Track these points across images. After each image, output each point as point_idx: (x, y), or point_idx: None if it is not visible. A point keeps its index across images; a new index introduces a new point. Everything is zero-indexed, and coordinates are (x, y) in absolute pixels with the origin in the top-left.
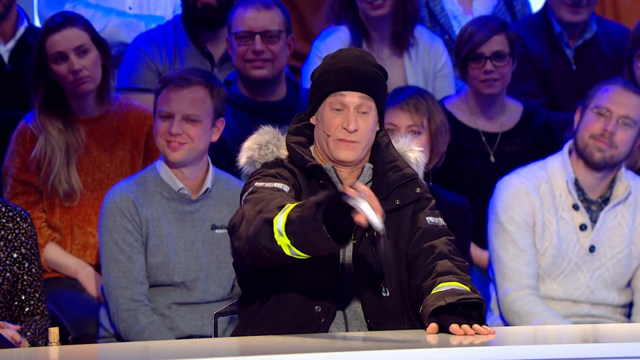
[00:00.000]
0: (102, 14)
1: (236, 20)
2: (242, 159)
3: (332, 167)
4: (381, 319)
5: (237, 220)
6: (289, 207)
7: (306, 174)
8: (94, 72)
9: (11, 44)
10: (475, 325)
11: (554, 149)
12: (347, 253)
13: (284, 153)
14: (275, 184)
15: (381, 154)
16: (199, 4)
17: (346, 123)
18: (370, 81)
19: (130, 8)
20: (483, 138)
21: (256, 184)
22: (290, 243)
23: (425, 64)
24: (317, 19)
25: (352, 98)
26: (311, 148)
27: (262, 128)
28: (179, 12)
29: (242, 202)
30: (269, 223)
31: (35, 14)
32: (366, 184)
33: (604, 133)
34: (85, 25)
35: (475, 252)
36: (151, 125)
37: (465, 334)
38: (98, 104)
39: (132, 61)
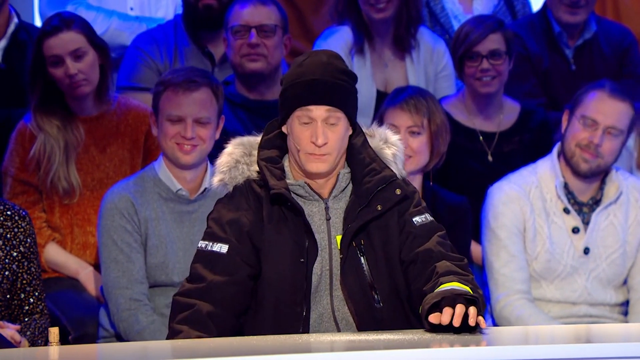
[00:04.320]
0: (103, 16)
1: (233, 16)
2: (215, 181)
3: (305, 183)
4: (374, 329)
5: (187, 279)
6: None
7: (275, 200)
8: (91, 75)
9: (3, 42)
10: (471, 308)
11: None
12: (334, 264)
13: (255, 169)
14: (215, 247)
15: (357, 157)
16: (200, 5)
17: (314, 137)
18: (336, 92)
19: (131, 9)
20: (480, 138)
21: (200, 243)
22: None
23: (427, 66)
24: (317, 18)
25: (318, 112)
26: (285, 161)
27: (234, 139)
28: (180, 11)
29: (196, 252)
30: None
31: (35, 13)
32: (343, 190)
33: (590, 144)
34: (82, 27)
35: (476, 250)
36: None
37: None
38: (97, 104)
39: (133, 60)
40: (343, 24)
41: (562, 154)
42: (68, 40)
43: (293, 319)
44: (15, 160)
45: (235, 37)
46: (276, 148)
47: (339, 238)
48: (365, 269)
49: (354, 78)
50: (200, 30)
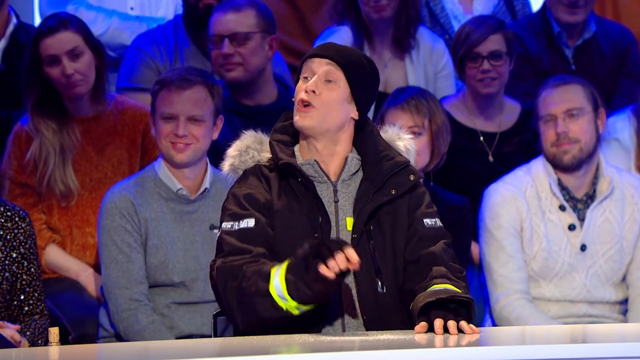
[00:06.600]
0: (104, 16)
1: (211, 23)
2: (225, 166)
3: (315, 161)
4: (377, 315)
5: (214, 266)
6: (275, 273)
7: (284, 173)
8: (87, 75)
9: (3, 43)
10: (462, 323)
11: None
12: None
13: (265, 156)
14: (242, 224)
15: (369, 145)
16: (201, 5)
17: (307, 85)
18: (342, 53)
19: (132, 8)
20: (481, 138)
21: (224, 225)
22: (298, 304)
23: (427, 66)
24: (318, 18)
25: (319, 64)
26: (296, 147)
27: (244, 133)
28: (180, 12)
29: (219, 235)
30: (265, 295)
31: (34, 14)
32: (353, 174)
33: (559, 136)
34: (78, 27)
35: (476, 250)
36: (147, 123)
37: (447, 333)
38: (93, 105)
39: (133, 61)
40: (342, 24)
41: (547, 160)
42: (65, 40)
43: None
44: (13, 163)
45: (212, 46)
46: (289, 135)
47: (349, 220)
48: (373, 253)
49: (373, 69)
50: (201, 30)
